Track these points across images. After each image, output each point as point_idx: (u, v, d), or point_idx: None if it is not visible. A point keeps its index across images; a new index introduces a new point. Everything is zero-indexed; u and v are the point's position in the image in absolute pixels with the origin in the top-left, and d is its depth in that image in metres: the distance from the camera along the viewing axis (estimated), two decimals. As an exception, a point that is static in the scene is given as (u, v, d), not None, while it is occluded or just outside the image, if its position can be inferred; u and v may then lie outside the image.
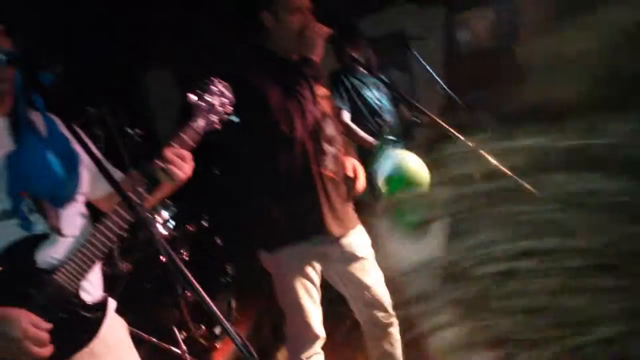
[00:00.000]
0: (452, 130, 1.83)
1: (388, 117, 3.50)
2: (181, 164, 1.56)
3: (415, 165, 2.14)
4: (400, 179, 2.10)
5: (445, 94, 3.03)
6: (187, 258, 3.08)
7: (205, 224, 3.42)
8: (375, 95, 3.53)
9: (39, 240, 1.42)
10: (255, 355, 1.18)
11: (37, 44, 1.53)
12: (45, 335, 1.35)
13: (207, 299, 1.22)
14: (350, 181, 2.30)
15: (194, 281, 1.22)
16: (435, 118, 1.90)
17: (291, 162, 2.16)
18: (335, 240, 2.24)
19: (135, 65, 4.94)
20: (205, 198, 4.10)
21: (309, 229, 2.18)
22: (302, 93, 2.11)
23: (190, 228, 3.28)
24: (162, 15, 4.41)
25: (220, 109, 1.68)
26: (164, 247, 1.24)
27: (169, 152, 1.56)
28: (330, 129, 2.27)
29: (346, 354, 3.08)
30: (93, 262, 1.46)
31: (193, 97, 1.64)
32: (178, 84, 5.11)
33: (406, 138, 3.64)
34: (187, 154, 1.59)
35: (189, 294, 2.90)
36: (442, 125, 1.85)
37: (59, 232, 1.45)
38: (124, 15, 4.30)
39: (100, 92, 1.50)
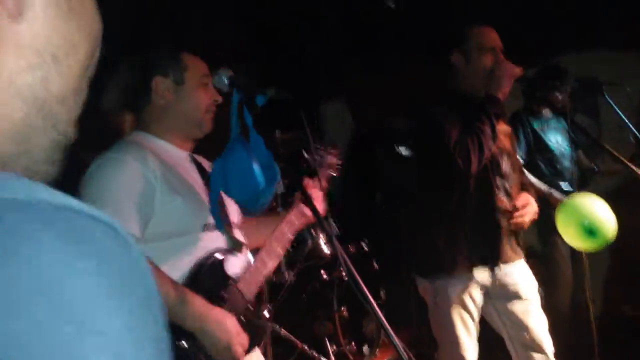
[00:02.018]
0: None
1: (567, 164, 3.35)
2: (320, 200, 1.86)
3: (605, 215, 2.01)
4: (589, 229, 1.99)
5: (637, 143, 2.83)
6: (345, 276, 3.22)
7: (364, 247, 3.54)
8: (558, 140, 3.41)
9: (228, 252, 1.64)
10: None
11: (254, 69, 1.76)
12: (246, 340, 1.53)
13: (380, 314, 1.32)
14: (517, 214, 2.26)
15: (369, 296, 1.32)
16: (631, 166, 1.81)
17: (463, 195, 2.20)
18: (498, 276, 2.22)
19: (317, 96, 5.29)
20: (367, 223, 4.25)
21: (474, 260, 2.19)
22: (483, 129, 2.14)
23: (351, 249, 3.42)
24: (350, 50, 4.68)
25: (333, 165, 2.05)
26: (345, 263, 1.36)
27: (310, 189, 1.84)
28: (506, 165, 2.28)
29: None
30: (263, 276, 1.68)
31: (310, 157, 1.98)
32: (352, 117, 5.37)
33: (583, 186, 3.44)
34: (321, 194, 1.88)
35: (344, 310, 3.02)
36: (633, 169, 1.76)
37: (240, 247, 1.68)
38: (317, 50, 4.65)
39: (286, 117, 1.69)
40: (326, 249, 3.28)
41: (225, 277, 1.60)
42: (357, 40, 4.55)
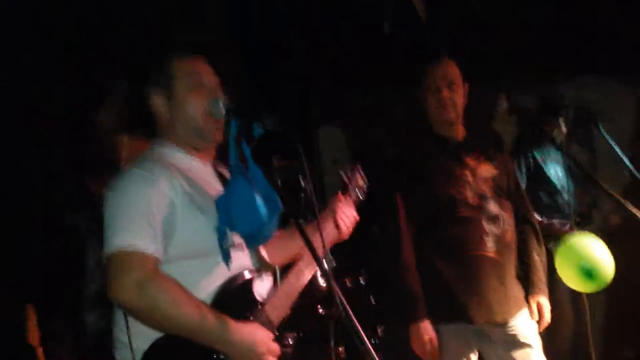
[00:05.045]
0: None
1: (567, 198, 3.33)
2: (348, 221, 1.82)
3: (603, 256, 1.97)
4: (586, 271, 1.95)
5: (631, 176, 2.81)
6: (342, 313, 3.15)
7: (362, 281, 3.46)
8: (558, 173, 3.39)
9: (255, 273, 1.59)
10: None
11: (249, 99, 1.74)
12: (278, 351, 1.52)
13: (375, 355, 1.26)
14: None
15: (364, 337, 1.27)
16: (622, 200, 1.78)
17: (446, 241, 2.15)
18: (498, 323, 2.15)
19: (312, 120, 5.29)
20: (365, 256, 4.18)
21: (469, 313, 2.14)
22: (456, 173, 2.15)
23: (348, 283, 3.34)
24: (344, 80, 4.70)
25: (362, 189, 1.98)
26: (340, 300, 1.31)
27: (339, 209, 1.78)
28: (494, 208, 2.20)
29: None
30: (291, 300, 1.62)
31: (344, 177, 1.97)
32: (348, 143, 5.36)
33: (583, 220, 3.41)
34: (353, 215, 1.84)
35: (340, 349, 2.94)
36: (629, 209, 1.72)
37: (267, 268, 1.62)
38: (309, 75, 4.67)
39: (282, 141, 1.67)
40: (323, 282, 3.21)
41: (253, 299, 1.55)
42: (356, 65, 4.57)
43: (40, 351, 2.56)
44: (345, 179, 1.94)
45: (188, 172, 1.59)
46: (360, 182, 1.97)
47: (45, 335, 2.64)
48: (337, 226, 1.80)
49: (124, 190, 1.48)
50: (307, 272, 1.67)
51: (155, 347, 1.43)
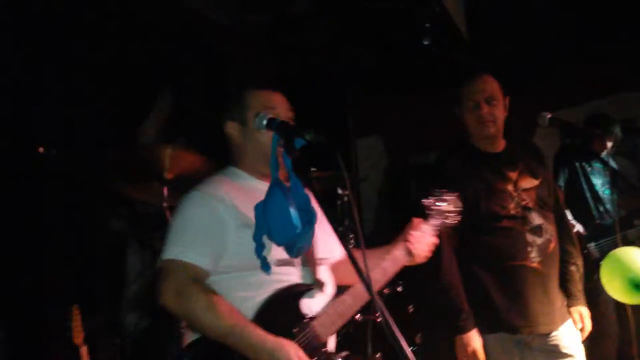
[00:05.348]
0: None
1: (609, 207, 3.27)
2: (423, 247, 1.81)
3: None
4: (635, 283, 1.90)
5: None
6: (378, 319, 3.14)
7: (399, 289, 3.45)
8: (601, 183, 3.35)
9: (305, 289, 1.62)
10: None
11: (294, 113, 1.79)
12: None
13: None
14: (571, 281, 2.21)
15: (404, 345, 1.28)
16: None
17: (487, 250, 2.15)
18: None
19: (351, 129, 5.32)
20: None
21: (505, 322, 2.12)
22: (499, 188, 2.13)
23: (385, 291, 3.34)
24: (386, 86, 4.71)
25: (449, 215, 1.92)
26: (382, 309, 1.32)
27: (413, 235, 1.80)
28: (536, 219, 2.19)
29: None
30: (344, 319, 1.63)
31: (427, 201, 1.92)
32: (386, 152, 5.36)
33: (626, 228, 3.34)
34: (429, 241, 1.82)
35: (377, 356, 2.94)
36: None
37: (321, 286, 1.65)
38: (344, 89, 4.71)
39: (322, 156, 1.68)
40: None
41: (299, 313, 1.59)
42: (393, 77, 4.58)
43: (84, 350, 2.65)
44: (428, 204, 1.92)
45: (247, 192, 1.67)
46: (448, 207, 1.93)
47: (89, 335, 2.73)
48: (409, 252, 1.80)
49: (182, 209, 1.65)
50: (365, 295, 1.66)
51: (187, 347, 1.56)
